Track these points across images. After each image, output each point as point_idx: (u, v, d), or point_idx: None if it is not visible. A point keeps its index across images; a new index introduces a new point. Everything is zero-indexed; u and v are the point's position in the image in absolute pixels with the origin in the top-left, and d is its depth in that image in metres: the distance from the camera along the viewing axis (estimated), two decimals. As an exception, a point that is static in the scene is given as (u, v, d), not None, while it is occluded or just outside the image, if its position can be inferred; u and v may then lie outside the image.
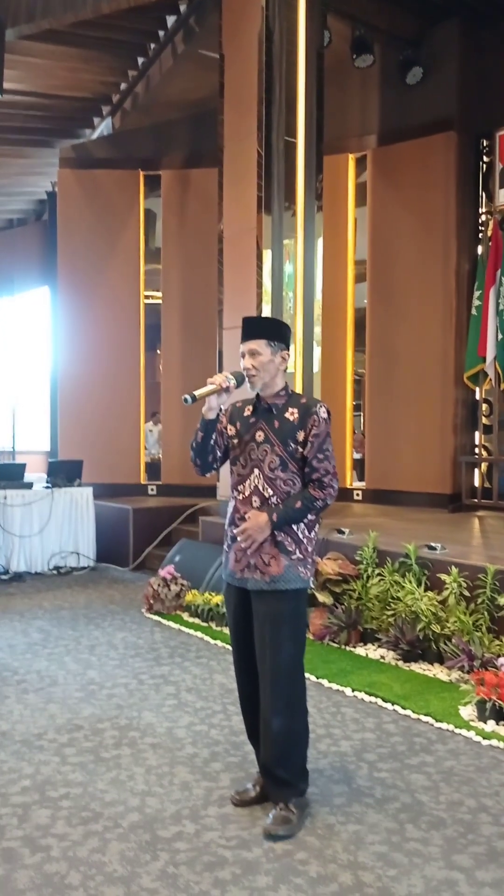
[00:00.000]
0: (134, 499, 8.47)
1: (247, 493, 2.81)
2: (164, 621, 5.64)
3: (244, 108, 6.58)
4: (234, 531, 2.82)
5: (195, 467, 2.92)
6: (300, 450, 2.79)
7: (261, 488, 2.79)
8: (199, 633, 5.30)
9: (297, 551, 2.81)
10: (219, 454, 2.89)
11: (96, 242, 8.86)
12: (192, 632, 5.35)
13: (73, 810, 2.87)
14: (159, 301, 9.07)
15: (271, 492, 2.78)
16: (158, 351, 9.33)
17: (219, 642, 5.08)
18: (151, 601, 5.87)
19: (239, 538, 2.79)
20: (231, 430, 2.87)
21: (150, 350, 9.33)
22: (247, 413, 2.86)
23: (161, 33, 7.74)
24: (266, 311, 6.38)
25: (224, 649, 4.94)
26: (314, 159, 6.58)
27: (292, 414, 2.80)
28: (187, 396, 2.75)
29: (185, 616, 5.72)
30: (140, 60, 8.13)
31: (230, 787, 3.06)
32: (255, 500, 2.80)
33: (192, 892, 2.37)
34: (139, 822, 2.79)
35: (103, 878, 2.44)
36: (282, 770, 2.80)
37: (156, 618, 5.74)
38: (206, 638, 5.19)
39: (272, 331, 2.86)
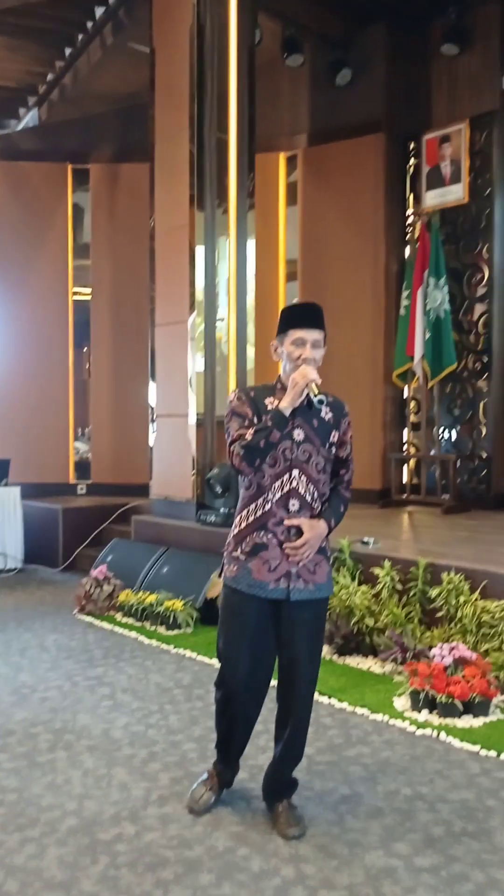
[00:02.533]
0: (63, 498, 8.32)
1: (280, 495, 2.61)
2: (97, 622, 5.56)
3: (176, 103, 6.54)
4: (292, 542, 2.60)
5: (247, 468, 2.59)
6: (334, 450, 2.71)
7: (301, 490, 2.62)
8: (133, 634, 5.24)
9: (330, 556, 2.79)
10: None
11: (22, 236, 8.64)
12: (126, 632, 5.29)
13: (7, 817, 2.79)
14: (88, 298, 8.93)
15: (315, 494, 2.65)
16: (85, 348, 9.19)
17: (153, 642, 5.04)
18: (83, 602, 5.77)
19: (300, 550, 2.59)
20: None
21: (78, 347, 9.18)
22: (270, 405, 2.63)
23: (89, 24, 7.62)
24: (199, 310, 6.36)
25: (158, 648, 4.90)
26: (246, 157, 6.59)
27: (326, 413, 2.67)
28: (322, 398, 2.55)
29: (119, 616, 5.65)
30: (68, 51, 7.98)
31: (170, 786, 3.03)
32: (294, 503, 2.61)
33: (133, 893, 2.34)
34: (77, 825, 2.74)
35: (42, 885, 2.39)
36: (291, 772, 2.81)
37: (88, 619, 5.65)
38: (141, 638, 5.14)
39: (324, 321, 2.70)
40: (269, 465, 2.61)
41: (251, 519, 2.66)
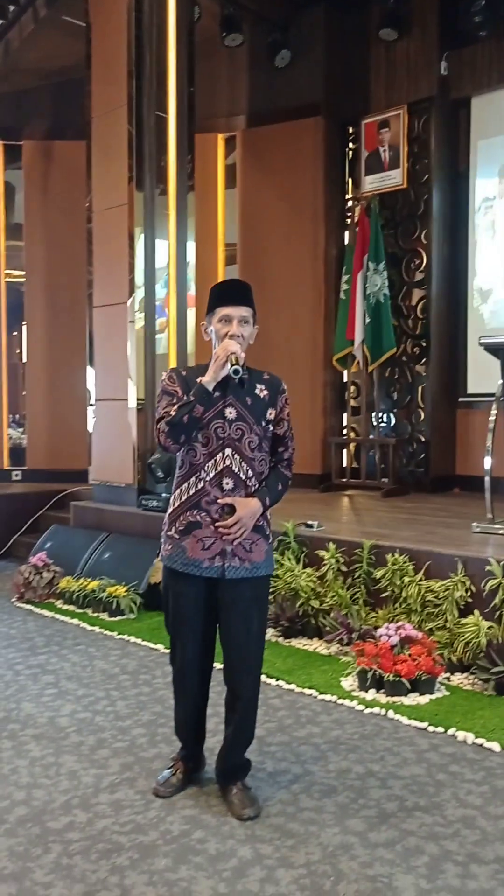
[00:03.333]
0: (-3, 485, 8.11)
1: (213, 474, 2.61)
2: (37, 610, 5.43)
3: (113, 79, 6.38)
4: (224, 520, 2.60)
5: (172, 445, 2.60)
6: (271, 428, 2.70)
7: (235, 469, 2.62)
8: (75, 621, 5.14)
9: (270, 536, 2.75)
10: None
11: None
12: (67, 619, 5.18)
13: (-47, 810, 2.70)
14: (21, 280, 8.68)
15: (250, 472, 2.64)
16: (14, 333, 8.95)
17: (96, 628, 4.95)
18: (22, 590, 5.63)
19: (231, 528, 2.58)
20: None
21: (12, 330, 8.92)
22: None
23: (21, -5, 7.37)
24: (139, 293, 6.25)
25: (102, 635, 4.82)
26: (185, 137, 6.48)
27: (262, 390, 2.69)
28: (239, 368, 2.54)
29: (59, 604, 5.53)
30: (-2, 23, 7.70)
31: (120, 772, 2.98)
32: (228, 482, 2.61)
33: (88, 881, 2.29)
34: (27, 815, 2.66)
35: (-8, 878, 2.31)
36: (242, 754, 2.79)
37: (27, 606, 5.52)
38: (84, 625, 5.04)
39: (252, 298, 2.71)
40: (202, 445, 2.62)
41: (184, 498, 2.66)
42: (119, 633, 4.82)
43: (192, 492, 2.64)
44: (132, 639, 4.72)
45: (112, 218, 6.41)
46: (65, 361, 8.38)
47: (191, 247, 6.60)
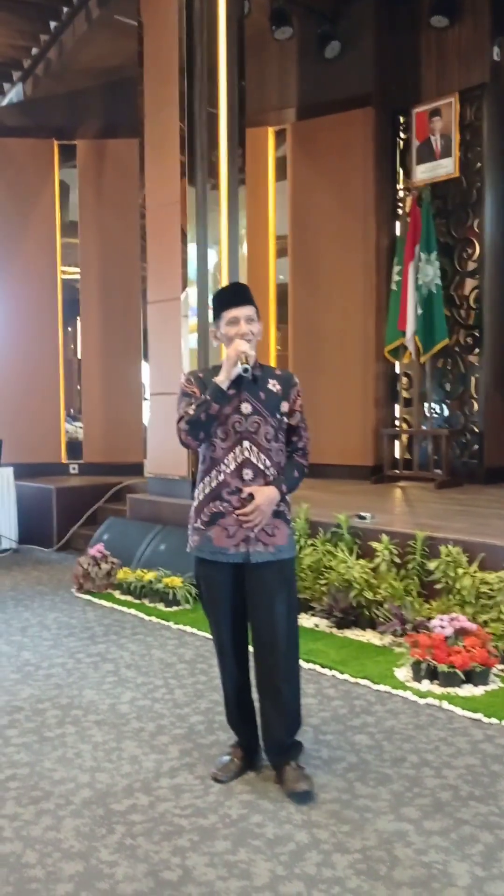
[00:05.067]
0: (55, 478, 8.30)
1: (233, 466, 2.76)
2: (96, 600, 5.58)
3: (164, 77, 6.46)
4: (243, 508, 2.73)
5: (192, 442, 2.78)
6: (286, 420, 2.85)
7: (254, 460, 2.76)
8: (132, 611, 5.27)
9: (291, 520, 2.89)
10: None
11: (7, 215, 8.53)
12: (125, 609, 5.31)
13: (21, 790, 2.83)
14: (76, 276, 8.86)
15: (268, 462, 2.79)
16: (69, 329, 9.14)
17: (153, 618, 5.07)
18: (81, 580, 5.79)
19: (250, 515, 2.72)
20: None
21: (68, 326, 9.12)
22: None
23: (74, -3, 7.49)
24: (193, 288, 6.33)
25: (159, 625, 4.94)
26: (236, 131, 6.53)
27: (274, 385, 2.84)
28: (248, 366, 2.69)
29: (117, 594, 5.67)
30: (52, 24, 7.84)
31: (179, 758, 3.08)
32: (248, 473, 2.76)
33: (151, 861, 2.38)
34: (91, 797, 2.77)
35: (61, 855, 2.42)
36: (291, 736, 2.88)
37: (87, 597, 5.67)
38: (141, 615, 5.17)
39: (252, 298, 2.87)
40: (221, 440, 2.77)
41: (207, 490, 2.81)
42: (175, 623, 4.93)
43: (214, 484, 2.79)
44: (188, 629, 4.82)
45: (164, 213, 6.50)
46: (119, 356, 8.53)
47: (243, 241, 6.65)
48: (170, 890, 2.24)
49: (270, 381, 2.84)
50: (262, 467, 2.77)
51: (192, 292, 6.35)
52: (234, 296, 2.86)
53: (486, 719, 3.39)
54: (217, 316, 2.87)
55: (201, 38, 6.32)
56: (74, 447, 8.97)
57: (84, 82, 8.50)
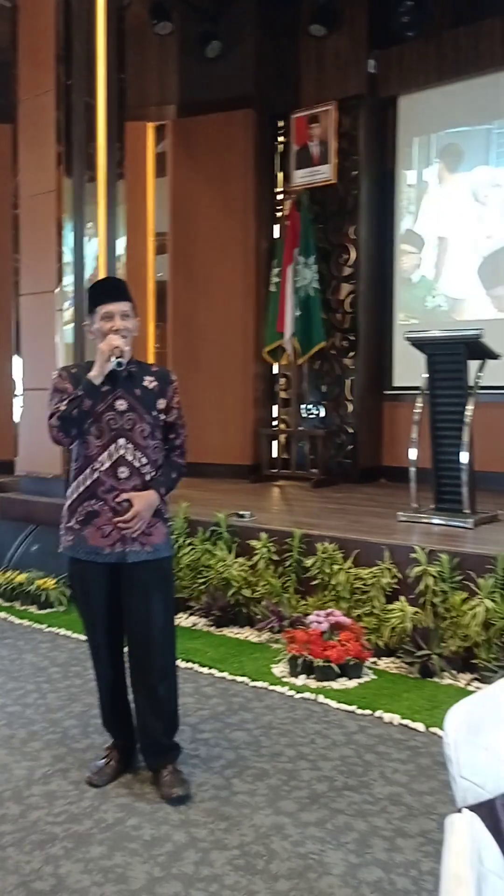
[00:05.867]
0: None
1: (108, 464, 2.70)
2: (-37, 604, 5.33)
3: (40, 63, 6.24)
4: (122, 516, 2.67)
5: (64, 439, 2.71)
6: (162, 417, 2.79)
7: (129, 458, 2.71)
8: (2, 614, 5.06)
9: (169, 519, 2.85)
10: None
11: None
12: (-5, 612, 5.10)
13: None
14: None
15: (145, 460, 2.74)
16: None
17: (25, 622, 4.89)
18: None
19: (130, 522, 2.67)
20: None
21: None
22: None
23: None
24: (68, 279, 6.16)
25: (31, 628, 4.77)
26: (115, 124, 6.40)
27: (150, 382, 2.79)
28: (122, 361, 2.64)
29: (-14, 597, 5.43)
30: None
31: (52, 763, 2.97)
32: (123, 471, 2.70)
33: (22, 871, 2.28)
34: (-43, 810, 2.63)
35: None
36: (169, 737, 2.82)
37: (-47, 601, 5.40)
38: (11, 618, 4.97)
39: (129, 293, 2.81)
40: (96, 437, 2.71)
41: (81, 489, 2.74)
42: (48, 626, 4.77)
43: (88, 483, 2.73)
44: (62, 631, 4.68)
45: (40, 204, 6.29)
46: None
47: (121, 235, 6.53)
48: (42, 901, 2.15)
49: (146, 377, 2.79)
50: (137, 465, 2.72)
51: (67, 285, 6.17)
52: (109, 290, 2.81)
53: (359, 711, 3.47)
54: (92, 310, 2.80)
55: (80, 26, 6.15)
56: None
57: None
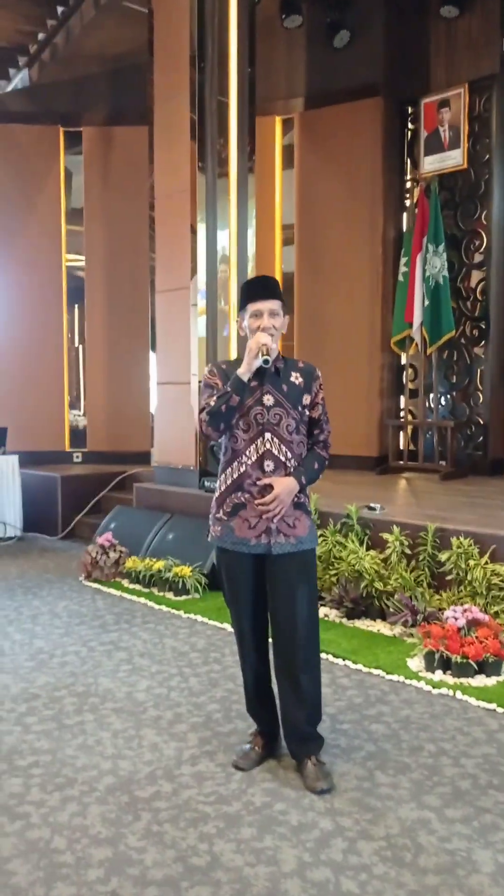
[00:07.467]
0: (59, 466, 8.31)
1: (255, 458, 2.78)
2: (104, 588, 5.60)
3: (175, 65, 6.43)
4: (261, 498, 2.75)
5: (213, 433, 2.80)
6: (307, 412, 2.86)
7: (275, 451, 2.78)
8: (142, 600, 5.29)
9: (311, 511, 2.91)
10: None
11: (12, 201, 8.49)
12: (134, 598, 5.34)
13: (45, 777, 2.85)
14: (80, 263, 8.83)
15: (290, 454, 2.81)
16: (73, 317, 9.11)
17: (163, 607, 5.09)
18: (90, 569, 5.81)
19: (270, 504, 2.74)
20: None
21: (71, 315, 9.10)
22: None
23: (82, -18, 7.45)
24: (202, 276, 6.32)
25: (169, 614, 4.96)
26: (246, 120, 6.51)
27: (297, 378, 2.84)
28: (269, 358, 2.70)
29: (125, 583, 5.69)
30: (60, 10, 7.79)
31: (199, 746, 3.10)
32: (269, 464, 2.78)
33: (179, 847, 2.41)
34: (115, 784, 2.80)
35: (89, 841, 2.45)
36: (312, 727, 2.90)
37: (95, 585, 5.69)
38: (151, 604, 5.19)
39: (280, 292, 2.88)
40: (243, 431, 2.79)
41: (229, 481, 2.83)
42: (186, 612, 4.95)
43: (235, 475, 2.82)
44: (199, 618, 4.84)
45: (174, 202, 6.49)
46: (124, 345, 8.52)
47: (251, 229, 6.64)
48: (199, 875, 2.27)
49: (293, 373, 2.85)
50: (282, 459, 2.79)
51: (200, 280, 6.34)
52: (260, 289, 2.86)
53: (500, 710, 3.43)
54: (242, 307, 2.89)
55: (212, 26, 6.29)
56: (78, 435, 8.97)
57: (91, 68, 8.44)
